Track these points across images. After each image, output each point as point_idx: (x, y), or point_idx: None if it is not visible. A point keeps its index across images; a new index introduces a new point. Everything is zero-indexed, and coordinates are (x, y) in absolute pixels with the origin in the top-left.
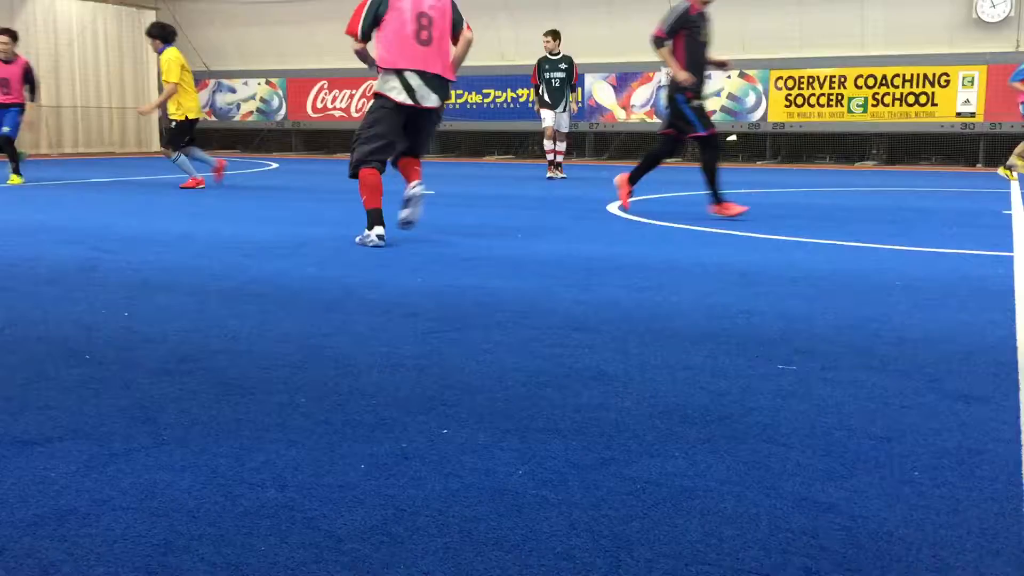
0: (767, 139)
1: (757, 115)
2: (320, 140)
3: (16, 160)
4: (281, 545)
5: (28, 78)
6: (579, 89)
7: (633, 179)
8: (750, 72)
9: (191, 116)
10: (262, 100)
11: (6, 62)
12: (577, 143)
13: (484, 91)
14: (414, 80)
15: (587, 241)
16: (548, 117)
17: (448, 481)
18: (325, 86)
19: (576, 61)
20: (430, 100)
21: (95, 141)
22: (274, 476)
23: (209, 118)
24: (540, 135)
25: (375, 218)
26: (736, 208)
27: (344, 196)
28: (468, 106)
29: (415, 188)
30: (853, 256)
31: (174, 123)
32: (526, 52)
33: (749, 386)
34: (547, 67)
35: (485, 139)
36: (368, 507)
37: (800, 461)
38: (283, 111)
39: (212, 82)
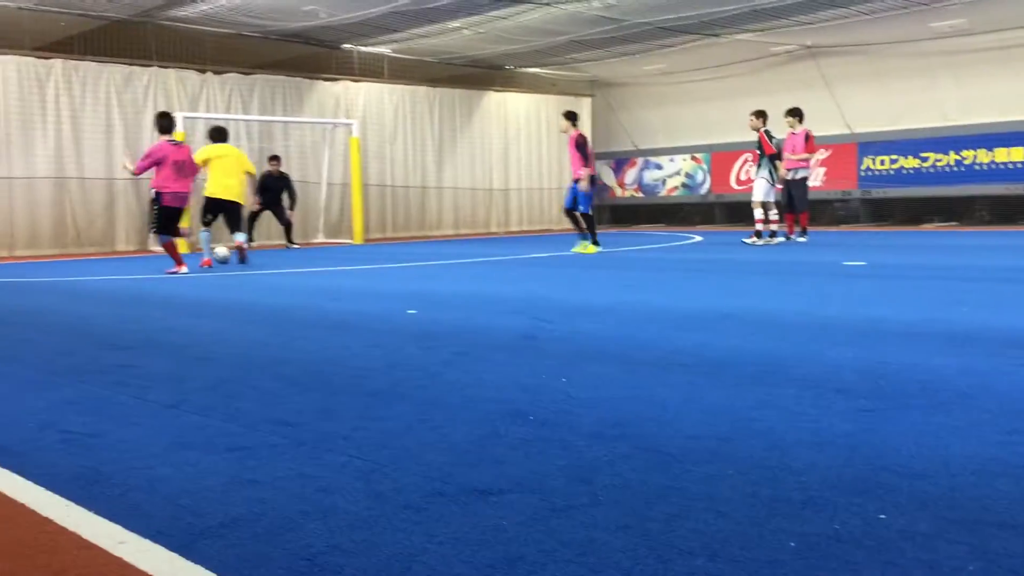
0: None
1: None
2: (743, 212)
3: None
4: None
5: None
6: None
7: None
8: None
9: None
10: (687, 175)
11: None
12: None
13: (922, 155)
14: None
15: None
16: None
17: (887, 570)
18: (749, 158)
19: None
20: None
21: (537, 219)
22: (703, 545)
23: (636, 194)
24: (988, 200)
25: None
26: None
27: (767, 268)
28: (904, 171)
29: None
30: None
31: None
32: (973, 110)
33: None
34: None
35: (923, 205)
36: None
37: None
38: (707, 184)
39: (640, 160)
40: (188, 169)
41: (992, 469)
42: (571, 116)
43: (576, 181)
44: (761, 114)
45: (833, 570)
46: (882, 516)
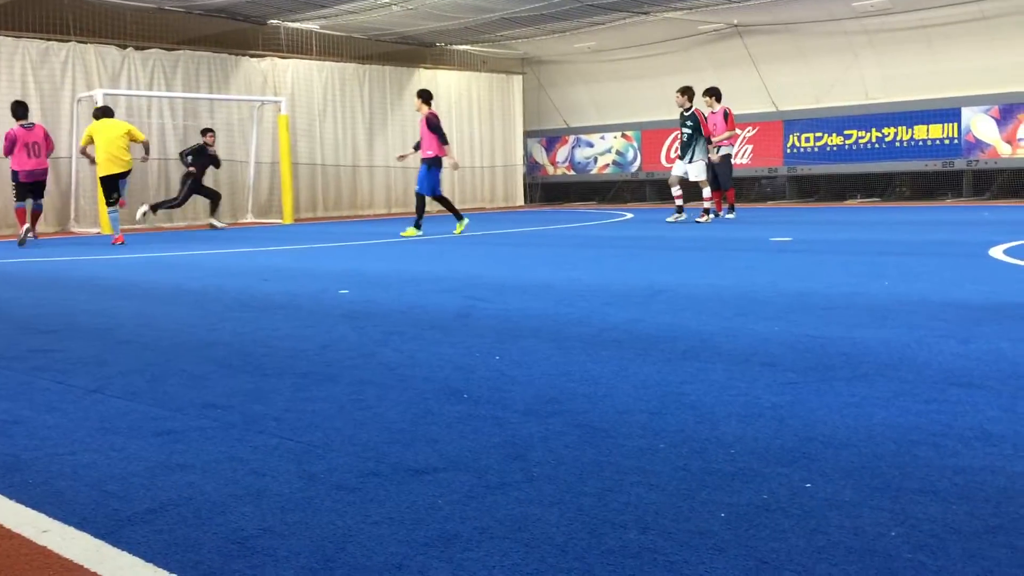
0: None
1: None
2: None
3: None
4: None
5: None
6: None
7: None
8: None
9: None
10: (618, 153)
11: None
12: (954, 182)
13: (846, 132)
14: None
15: (965, 287)
16: (676, 167)
17: (813, 537)
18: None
19: (954, 94)
20: None
21: (469, 197)
22: (636, 518)
23: (568, 172)
24: (908, 176)
25: None
26: None
27: (697, 245)
28: (828, 149)
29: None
30: None
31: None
32: (893, 89)
33: None
34: (680, 122)
35: (846, 182)
36: (729, 556)
37: None
38: (637, 162)
39: (571, 138)
40: (42, 148)
41: (912, 437)
42: (423, 95)
43: (424, 161)
44: (687, 91)
45: (762, 539)
46: (808, 485)
